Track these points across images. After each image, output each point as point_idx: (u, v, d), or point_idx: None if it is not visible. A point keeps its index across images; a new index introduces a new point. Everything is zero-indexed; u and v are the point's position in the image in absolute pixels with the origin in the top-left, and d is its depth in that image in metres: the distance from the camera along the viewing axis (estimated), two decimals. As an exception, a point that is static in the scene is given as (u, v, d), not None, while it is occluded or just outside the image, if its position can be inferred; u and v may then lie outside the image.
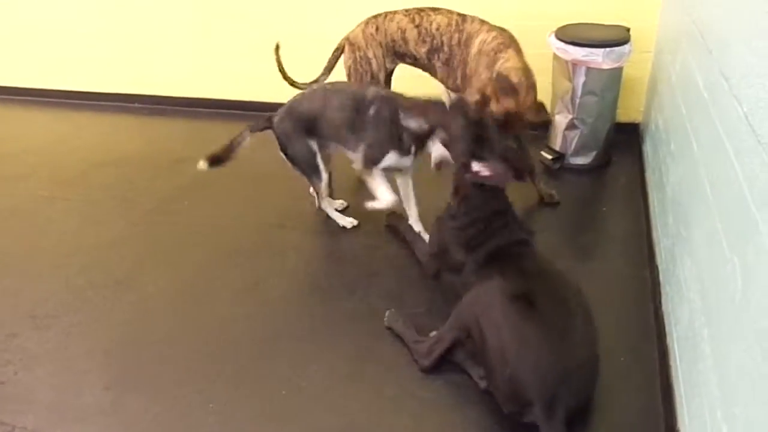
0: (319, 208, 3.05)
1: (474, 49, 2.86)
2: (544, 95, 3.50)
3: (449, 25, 2.96)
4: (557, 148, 3.45)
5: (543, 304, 1.92)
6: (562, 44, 3.20)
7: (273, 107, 2.93)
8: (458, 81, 2.94)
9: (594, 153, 3.40)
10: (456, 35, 2.94)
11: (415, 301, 2.48)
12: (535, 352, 1.84)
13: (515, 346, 1.86)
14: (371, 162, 2.66)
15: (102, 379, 2.21)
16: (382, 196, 2.64)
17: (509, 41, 2.82)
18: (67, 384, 2.20)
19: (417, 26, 3.03)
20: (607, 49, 3.11)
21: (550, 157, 3.46)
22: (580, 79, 3.21)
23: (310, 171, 2.83)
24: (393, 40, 3.08)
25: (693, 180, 1.99)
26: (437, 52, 3.00)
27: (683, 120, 2.29)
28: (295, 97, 2.84)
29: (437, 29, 2.98)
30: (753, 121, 1.38)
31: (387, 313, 2.36)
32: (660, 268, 2.46)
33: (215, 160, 2.81)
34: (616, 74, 3.27)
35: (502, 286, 1.97)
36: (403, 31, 3.06)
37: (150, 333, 2.42)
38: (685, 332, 1.89)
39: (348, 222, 3.00)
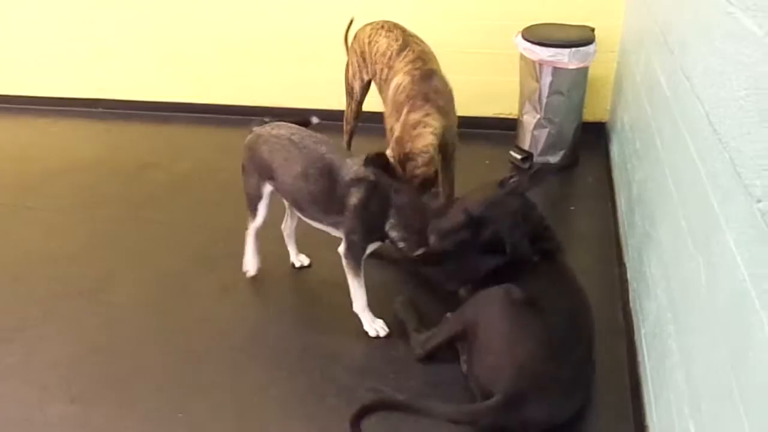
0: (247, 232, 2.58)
1: (390, 91, 2.62)
2: (511, 95, 3.55)
3: (384, 54, 2.73)
4: (526, 147, 3.47)
5: (551, 316, 1.92)
6: (528, 44, 3.23)
7: (239, 111, 2.89)
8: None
9: (562, 152, 3.43)
10: (385, 70, 2.71)
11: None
12: (524, 350, 1.85)
13: (506, 339, 1.88)
14: (354, 256, 2.25)
15: (68, 392, 2.15)
16: (363, 314, 2.32)
17: (419, 90, 2.48)
18: (32, 398, 2.14)
19: (369, 43, 2.85)
20: (573, 49, 3.14)
21: (519, 156, 3.48)
22: (547, 79, 3.24)
23: (250, 207, 2.49)
24: (362, 51, 2.92)
25: (658, 178, 2.02)
26: (374, 80, 2.83)
27: (648, 119, 2.32)
28: (259, 132, 2.39)
29: (376, 53, 2.78)
30: (714, 119, 1.40)
31: (398, 299, 2.37)
32: (628, 265, 2.49)
33: None
34: (582, 74, 3.30)
35: (508, 289, 1.97)
36: (363, 45, 2.89)
37: (118, 344, 2.37)
38: (653, 329, 1.91)
39: (252, 267, 2.64)
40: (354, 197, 2.16)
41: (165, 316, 2.50)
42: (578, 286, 2.12)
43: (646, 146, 2.34)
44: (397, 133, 2.43)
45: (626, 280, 2.45)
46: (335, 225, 2.28)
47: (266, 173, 2.37)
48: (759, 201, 1.07)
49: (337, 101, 3.11)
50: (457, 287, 2.32)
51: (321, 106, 3.47)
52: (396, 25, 2.84)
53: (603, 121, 3.75)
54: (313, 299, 2.55)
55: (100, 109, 4.52)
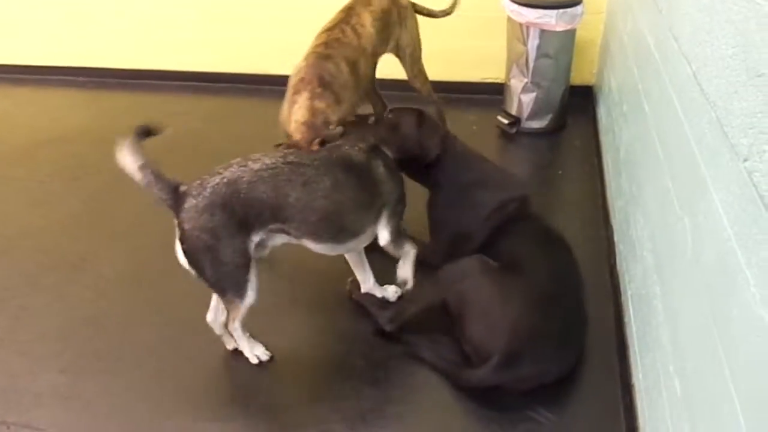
0: (225, 326, 2.08)
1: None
2: (498, 60, 3.51)
3: (317, 35, 2.58)
4: (513, 112, 3.45)
5: (534, 275, 1.97)
6: (515, 6, 3.18)
7: (223, 78, 2.83)
8: None
9: (549, 116, 3.42)
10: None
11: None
12: (516, 309, 1.88)
13: (496, 300, 1.92)
14: (400, 232, 2.11)
15: (57, 363, 2.15)
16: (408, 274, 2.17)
17: (311, 77, 2.35)
18: (21, 368, 2.14)
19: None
20: (560, 10, 3.11)
21: (506, 121, 3.47)
22: (534, 42, 3.21)
23: (233, 285, 1.90)
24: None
25: (645, 140, 2.02)
26: None
27: (635, 81, 2.30)
28: (229, 180, 1.89)
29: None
30: (701, 79, 1.40)
31: (349, 279, 2.32)
32: (614, 228, 2.51)
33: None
34: (569, 36, 3.27)
35: (480, 258, 2.03)
36: None
37: (106, 315, 2.36)
38: (639, 290, 1.93)
39: (261, 353, 2.10)
40: (379, 168, 2.05)
41: (153, 287, 2.49)
42: (561, 242, 2.15)
43: (633, 108, 2.33)
44: (304, 118, 2.30)
45: (613, 243, 2.46)
46: (376, 217, 2.06)
47: (264, 221, 1.88)
48: (745, 160, 1.07)
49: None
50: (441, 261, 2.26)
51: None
52: (352, 6, 2.67)
53: (590, 84, 3.73)
54: (300, 269, 2.54)
55: (82, 78, 4.43)
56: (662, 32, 1.88)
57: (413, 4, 2.94)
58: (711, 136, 1.28)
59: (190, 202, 1.84)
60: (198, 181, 1.89)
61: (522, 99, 3.39)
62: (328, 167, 1.96)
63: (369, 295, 2.27)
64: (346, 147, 2.06)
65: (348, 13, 2.63)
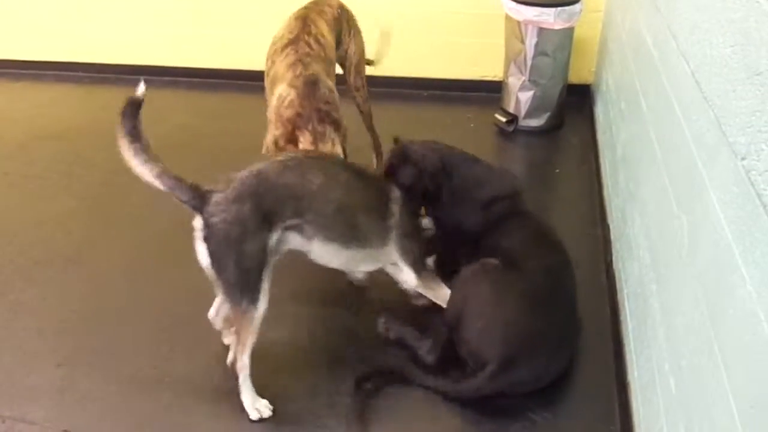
0: (233, 366, 1.94)
1: (274, 100, 2.38)
2: (496, 57, 3.51)
3: (274, 43, 2.51)
4: (510, 110, 3.45)
5: (531, 276, 1.95)
6: (513, 4, 3.18)
7: (218, 74, 2.82)
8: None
9: (547, 115, 3.42)
10: (269, 64, 2.49)
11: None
12: (511, 313, 1.88)
13: (490, 303, 1.91)
14: (424, 263, 2.13)
15: (53, 357, 2.14)
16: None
17: (309, 113, 2.29)
18: (16, 363, 2.13)
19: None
20: (559, 8, 3.11)
21: (503, 119, 3.46)
22: (533, 40, 3.21)
23: (251, 289, 1.84)
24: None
25: (642, 139, 2.02)
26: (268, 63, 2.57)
27: (633, 79, 2.30)
28: (250, 169, 1.91)
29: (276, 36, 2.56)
30: (699, 78, 1.40)
31: (380, 320, 2.15)
32: (611, 226, 2.51)
33: None
34: (567, 34, 3.27)
35: (483, 262, 2.01)
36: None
37: (102, 310, 2.35)
38: (635, 288, 1.93)
39: (263, 407, 1.92)
40: (394, 192, 2.09)
41: (149, 282, 2.48)
42: (556, 242, 2.13)
43: (631, 107, 2.33)
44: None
45: (609, 241, 2.46)
46: (384, 237, 2.06)
47: (285, 214, 1.88)
48: (743, 158, 1.07)
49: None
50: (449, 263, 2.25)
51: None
52: (307, 13, 2.60)
53: (588, 82, 3.73)
54: (302, 263, 2.53)
55: (78, 74, 4.41)
56: (661, 30, 1.88)
57: None
58: (709, 134, 1.28)
59: (218, 196, 1.83)
60: (223, 179, 1.89)
61: (520, 97, 3.39)
62: (345, 166, 2.08)
63: (406, 329, 2.11)
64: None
65: (304, 22, 2.55)
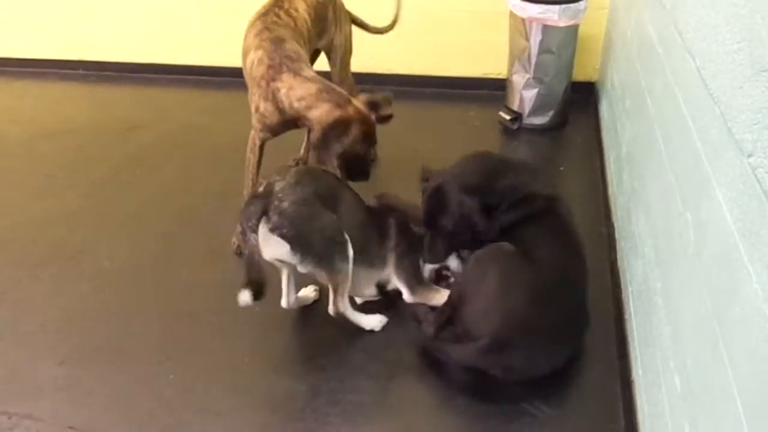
0: (338, 312, 2.10)
1: (246, 70, 2.42)
2: (500, 55, 3.50)
3: (251, 24, 2.50)
4: (515, 108, 3.44)
5: (542, 268, 1.93)
6: (518, 1, 3.17)
7: (223, 72, 2.82)
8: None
9: (551, 112, 3.41)
10: (244, 40, 2.49)
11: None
12: (513, 298, 1.87)
13: (496, 287, 1.90)
14: (417, 273, 2.25)
15: (56, 355, 2.15)
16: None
17: (280, 61, 2.31)
18: (21, 360, 2.14)
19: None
20: (563, 5, 3.10)
21: (507, 117, 3.46)
22: (537, 38, 3.20)
23: (340, 250, 2.01)
24: None
25: (647, 136, 2.01)
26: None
27: (638, 77, 2.30)
28: (293, 166, 2.31)
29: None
30: (705, 75, 1.39)
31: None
32: (616, 224, 2.50)
33: (259, 289, 1.94)
34: (572, 32, 3.26)
35: (500, 245, 1.99)
36: None
37: (106, 307, 2.36)
38: (640, 286, 1.93)
39: (377, 322, 2.18)
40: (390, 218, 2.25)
41: (153, 279, 2.49)
42: (575, 239, 2.11)
43: (636, 104, 2.32)
44: (319, 112, 2.27)
45: (614, 239, 2.46)
46: (384, 260, 2.22)
47: (329, 206, 2.06)
48: (750, 156, 1.06)
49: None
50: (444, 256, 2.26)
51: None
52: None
53: (592, 80, 3.72)
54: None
55: (82, 71, 4.43)
56: (666, 27, 1.87)
57: (350, 13, 2.90)
58: (715, 131, 1.27)
59: (279, 185, 1.97)
60: (271, 174, 2.05)
61: (524, 95, 3.38)
62: (349, 187, 2.22)
63: (419, 307, 2.21)
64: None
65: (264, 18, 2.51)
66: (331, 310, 2.10)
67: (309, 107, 2.27)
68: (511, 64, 3.41)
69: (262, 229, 1.94)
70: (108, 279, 2.50)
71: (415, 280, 2.23)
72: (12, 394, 2.01)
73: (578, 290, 2.03)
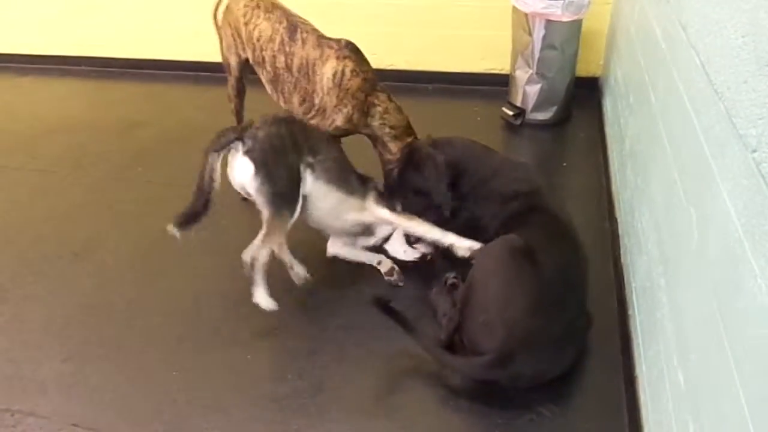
0: (247, 259, 2.17)
1: (324, 80, 2.41)
2: (504, 50, 3.49)
3: (271, 40, 2.52)
4: (518, 103, 3.43)
5: (545, 273, 1.89)
6: (521, -3, 3.16)
7: (223, 68, 2.83)
8: (293, 107, 2.57)
9: (554, 108, 3.40)
10: (281, 57, 2.50)
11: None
12: (516, 310, 1.83)
13: (499, 298, 1.87)
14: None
15: (61, 351, 2.15)
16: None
17: (372, 76, 2.43)
18: (25, 357, 2.14)
19: (246, 24, 2.61)
20: (567, 0, 3.08)
21: (510, 112, 3.45)
22: (540, 33, 3.19)
23: (290, 198, 2.14)
24: (237, 28, 2.67)
25: (651, 132, 2.00)
26: (261, 66, 2.62)
27: (642, 72, 2.29)
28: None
29: (258, 39, 2.57)
30: (709, 70, 1.38)
31: (435, 289, 2.25)
32: (619, 220, 2.49)
33: (189, 219, 2.11)
34: (575, 27, 3.25)
35: (509, 239, 1.97)
36: (237, 22, 2.65)
37: (110, 303, 2.36)
38: (643, 282, 1.92)
39: (265, 302, 2.16)
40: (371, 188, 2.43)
41: (156, 276, 2.49)
42: (575, 240, 2.10)
43: (639, 100, 2.31)
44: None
45: (618, 235, 2.45)
46: (364, 194, 2.35)
47: (305, 150, 2.22)
48: (754, 151, 1.05)
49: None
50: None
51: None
52: (274, 4, 2.62)
53: (596, 75, 3.71)
54: (311, 256, 2.53)
55: (84, 68, 4.43)
56: (670, 22, 1.86)
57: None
58: (719, 127, 1.26)
59: (261, 120, 2.17)
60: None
61: (527, 90, 3.37)
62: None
63: (444, 303, 2.18)
64: None
65: (288, 20, 2.56)
66: (245, 253, 2.16)
67: (395, 138, 2.47)
68: (514, 60, 3.40)
69: (235, 152, 2.09)
70: (111, 276, 2.50)
71: (392, 205, 2.36)
72: (16, 391, 2.02)
73: (579, 290, 2.01)
